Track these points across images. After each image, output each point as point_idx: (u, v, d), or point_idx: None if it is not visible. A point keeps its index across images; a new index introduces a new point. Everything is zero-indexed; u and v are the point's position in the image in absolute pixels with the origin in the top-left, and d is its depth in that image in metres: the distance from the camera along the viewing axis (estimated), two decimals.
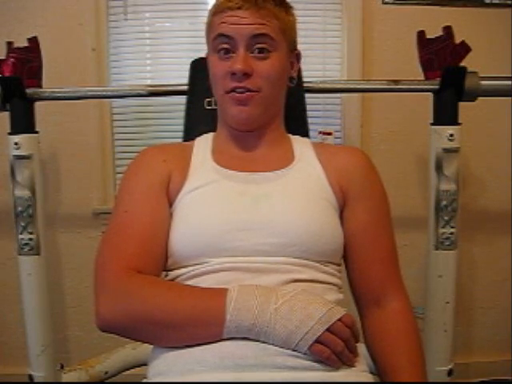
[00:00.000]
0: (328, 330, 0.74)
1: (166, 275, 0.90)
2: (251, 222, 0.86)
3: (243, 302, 0.75)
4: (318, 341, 0.73)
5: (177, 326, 0.76)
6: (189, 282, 0.84)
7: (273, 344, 0.74)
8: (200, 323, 0.75)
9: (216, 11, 0.93)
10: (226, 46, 0.91)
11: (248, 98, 0.91)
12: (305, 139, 1.06)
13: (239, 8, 0.90)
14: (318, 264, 0.87)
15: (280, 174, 0.94)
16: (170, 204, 0.92)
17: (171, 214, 0.91)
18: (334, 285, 0.89)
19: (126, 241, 0.85)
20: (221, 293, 0.77)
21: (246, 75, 0.90)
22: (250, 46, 0.90)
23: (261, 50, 0.91)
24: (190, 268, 0.85)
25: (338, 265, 0.93)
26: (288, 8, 0.97)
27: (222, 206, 0.88)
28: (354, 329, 0.78)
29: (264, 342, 0.75)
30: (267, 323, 0.74)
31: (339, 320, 0.75)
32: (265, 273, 0.83)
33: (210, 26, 0.96)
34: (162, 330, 0.78)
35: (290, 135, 1.05)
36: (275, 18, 0.92)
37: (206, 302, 0.77)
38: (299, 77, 1.29)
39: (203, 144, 1.01)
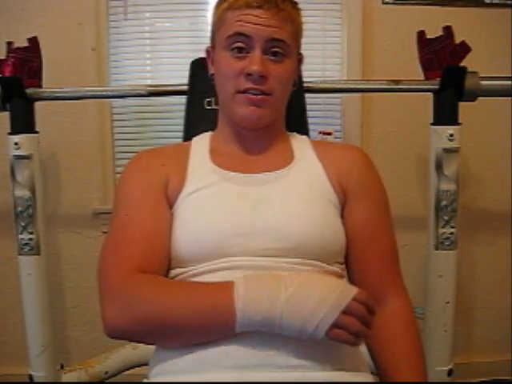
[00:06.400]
0: (343, 312, 0.71)
1: (167, 273, 0.88)
2: (252, 226, 0.84)
3: (252, 295, 0.73)
4: (334, 325, 0.70)
5: (185, 326, 0.75)
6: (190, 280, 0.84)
7: (287, 334, 0.72)
8: (210, 323, 0.74)
9: (231, 7, 0.90)
10: (241, 44, 0.89)
11: (262, 100, 0.90)
12: (303, 137, 1.05)
13: (259, 7, 0.88)
14: (323, 264, 0.86)
15: (280, 175, 0.93)
16: (170, 206, 0.91)
17: (172, 216, 0.89)
18: None
19: (129, 243, 0.84)
20: (227, 287, 0.74)
21: (262, 77, 0.89)
22: (265, 48, 0.89)
23: (275, 54, 0.90)
24: (192, 267, 0.85)
25: (343, 263, 0.92)
26: (299, 10, 0.96)
27: (222, 211, 0.87)
28: (370, 302, 0.74)
29: (271, 340, 0.73)
30: (280, 315, 0.71)
31: (352, 299, 0.72)
32: (269, 271, 0.80)
33: (222, 21, 0.92)
34: (171, 331, 0.76)
35: (289, 133, 1.05)
36: (291, 22, 0.91)
37: (214, 299, 0.74)
38: (299, 77, 1.29)
39: (200, 144, 1.00)
